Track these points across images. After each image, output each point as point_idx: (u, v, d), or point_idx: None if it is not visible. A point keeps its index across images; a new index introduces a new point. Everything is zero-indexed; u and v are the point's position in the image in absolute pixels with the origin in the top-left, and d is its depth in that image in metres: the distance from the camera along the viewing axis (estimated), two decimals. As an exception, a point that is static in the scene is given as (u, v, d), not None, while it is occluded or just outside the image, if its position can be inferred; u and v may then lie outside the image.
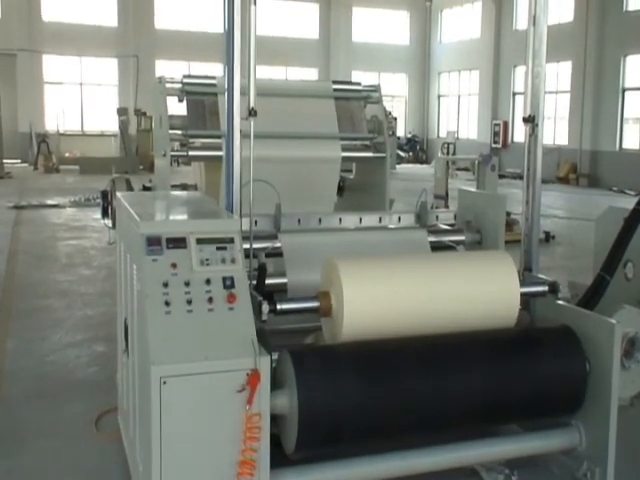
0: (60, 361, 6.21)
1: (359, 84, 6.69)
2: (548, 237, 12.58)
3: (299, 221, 4.77)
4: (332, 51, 33.53)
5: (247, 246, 3.76)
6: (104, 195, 5.99)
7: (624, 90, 24.34)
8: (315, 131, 6.16)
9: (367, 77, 30.63)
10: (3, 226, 13.46)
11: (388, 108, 26.28)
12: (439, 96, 35.36)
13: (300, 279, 4.25)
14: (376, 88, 6.60)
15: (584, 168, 25.28)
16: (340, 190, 6.57)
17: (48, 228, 13.53)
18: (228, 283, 3.39)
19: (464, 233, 4.87)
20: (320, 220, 4.87)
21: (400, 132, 33.47)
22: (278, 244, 4.42)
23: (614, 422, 3.86)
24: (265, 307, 3.59)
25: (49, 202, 16.85)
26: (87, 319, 7.52)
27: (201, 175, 6.49)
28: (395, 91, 34.75)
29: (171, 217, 4.35)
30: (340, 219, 4.95)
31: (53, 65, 30.00)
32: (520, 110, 4.73)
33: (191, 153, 5.85)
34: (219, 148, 5.54)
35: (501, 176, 17.33)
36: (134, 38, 30.05)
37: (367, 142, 6.43)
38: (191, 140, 5.86)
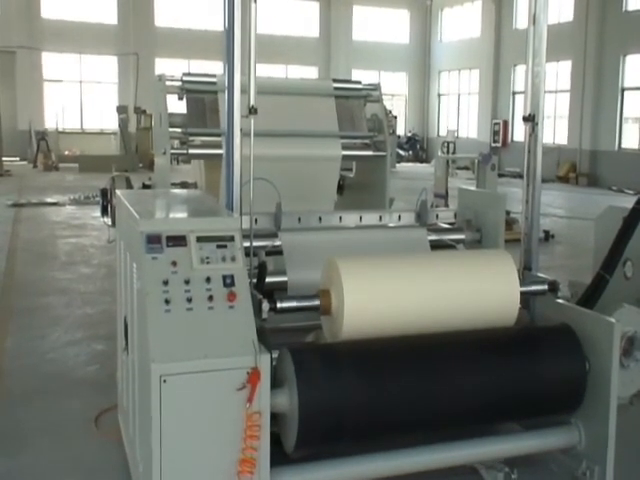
0: (60, 359, 6.21)
1: (359, 82, 6.69)
2: (548, 236, 12.59)
3: (299, 219, 4.77)
4: (332, 49, 33.52)
5: (247, 244, 3.76)
6: (103, 193, 5.99)
7: (623, 90, 24.34)
8: (315, 129, 6.16)
9: (367, 76, 30.55)
10: (2, 224, 13.45)
11: (388, 107, 26.28)
12: (439, 95, 35.35)
13: (300, 277, 4.26)
14: (376, 87, 6.59)
15: (583, 167, 25.29)
16: (340, 189, 6.56)
17: (47, 226, 13.52)
18: (228, 281, 3.40)
19: (464, 232, 4.87)
20: (320, 219, 4.87)
21: (400, 131, 33.47)
22: (278, 242, 4.42)
23: (613, 421, 3.86)
24: (265, 305, 3.59)
25: (48, 200, 16.84)
26: (87, 317, 7.52)
27: (201, 173, 6.48)
28: (395, 90, 34.75)
29: (171, 215, 4.35)
30: (340, 217, 4.95)
31: (53, 63, 29.97)
32: (520, 109, 4.74)
33: (191, 151, 5.84)
34: (219, 146, 5.54)
35: (501, 175, 17.34)
36: (134, 36, 30.03)
37: (367, 141, 6.43)
38: (191, 138, 5.86)
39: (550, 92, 25.45)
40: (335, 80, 6.80)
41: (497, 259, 4.11)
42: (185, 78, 5.92)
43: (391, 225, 5.00)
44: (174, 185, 6.20)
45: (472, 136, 32.10)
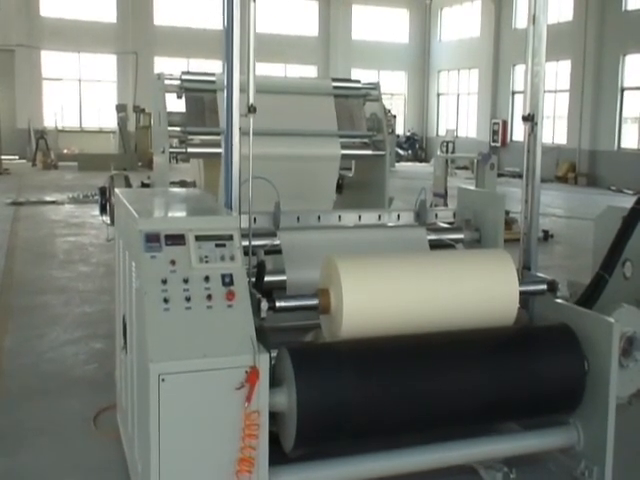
0: (58, 358, 6.20)
1: (358, 82, 6.68)
2: (547, 236, 12.58)
3: (298, 219, 4.78)
4: (331, 49, 33.49)
5: (246, 243, 3.75)
6: (102, 192, 5.99)
7: (623, 89, 24.32)
8: (314, 128, 6.15)
9: (366, 75, 30.55)
10: (1, 222, 13.43)
11: (387, 106, 26.25)
12: (438, 94, 35.33)
13: (299, 277, 4.26)
14: (375, 86, 6.58)
15: (583, 167, 25.28)
16: (339, 188, 6.56)
17: (46, 225, 13.51)
18: (227, 280, 3.39)
19: (463, 231, 4.87)
20: (319, 218, 4.87)
21: (399, 130, 33.45)
22: (277, 241, 4.42)
23: (612, 421, 3.87)
24: (264, 304, 3.59)
25: (47, 199, 16.82)
26: (85, 316, 7.51)
27: (200, 172, 6.48)
28: (394, 89, 34.72)
29: (170, 214, 4.35)
30: (339, 217, 4.95)
31: (52, 61, 29.93)
32: (519, 109, 4.75)
33: (190, 150, 5.83)
34: (218, 145, 5.53)
35: (500, 175, 17.33)
36: (133, 34, 30.00)
37: (366, 140, 6.42)
38: (190, 137, 5.85)
39: (549, 92, 25.43)
40: (334, 79, 6.79)
41: (496, 258, 4.11)
42: (184, 77, 5.91)
43: (390, 224, 5.00)
44: (173, 184, 6.20)
45: (471, 136, 32.09)
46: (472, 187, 7.14)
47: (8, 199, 16.31)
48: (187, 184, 6.56)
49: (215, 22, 28.63)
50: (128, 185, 6.10)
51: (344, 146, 6.20)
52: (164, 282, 3.31)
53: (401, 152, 30.83)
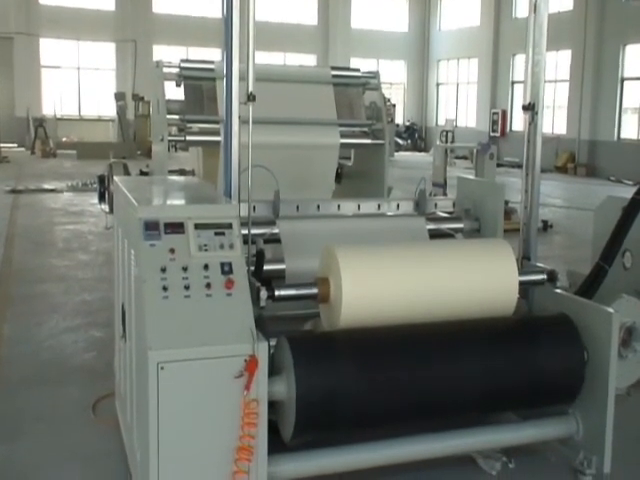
0: (57, 346, 6.20)
1: (358, 70, 6.67)
2: (546, 226, 12.57)
3: (297, 207, 4.77)
4: (331, 37, 33.39)
5: (245, 232, 3.75)
6: (101, 180, 5.97)
7: (623, 80, 24.28)
8: (314, 117, 6.14)
9: (366, 64, 30.46)
10: (0, 211, 13.42)
11: (387, 95, 26.21)
12: (438, 84, 35.26)
13: (298, 265, 4.25)
14: (375, 75, 6.57)
15: (582, 157, 25.25)
16: (338, 177, 6.55)
17: (45, 213, 13.48)
18: (226, 269, 3.39)
19: (463, 221, 4.86)
20: (318, 207, 4.86)
21: (399, 120, 33.40)
22: (276, 230, 4.41)
23: (611, 411, 3.87)
24: (263, 293, 3.59)
25: (46, 187, 16.79)
26: (85, 304, 7.50)
27: (199, 161, 6.47)
28: (394, 78, 34.64)
29: (169, 202, 4.33)
30: (339, 206, 4.94)
31: (50, 49, 29.83)
32: (519, 99, 4.74)
33: (189, 138, 5.82)
34: (217, 133, 5.52)
35: (499, 165, 17.30)
36: (132, 22, 29.89)
37: (366, 129, 6.42)
38: (189, 125, 5.84)
39: (549, 82, 25.39)
40: (334, 68, 6.78)
41: (496, 248, 4.10)
42: (183, 65, 5.90)
43: (390, 214, 4.99)
44: (172, 172, 6.19)
45: (471, 125, 32.04)
46: (471, 177, 7.13)
47: (7, 187, 16.28)
48: (186, 172, 6.56)
49: (214, 10, 28.58)
50: (127, 173, 6.09)
51: (343, 135, 6.19)
52: (163, 270, 3.30)
53: (400, 142, 30.75)
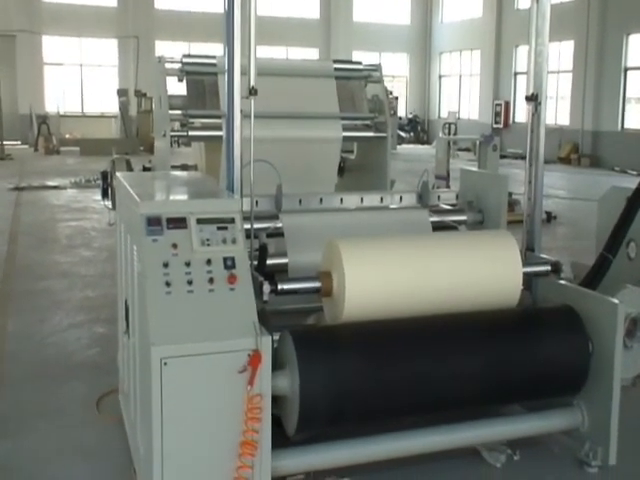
0: (61, 343, 6.20)
1: (360, 63, 6.65)
2: (550, 217, 12.55)
3: (300, 201, 4.76)
4: (333, 31, 33.30)
5: (248, 226, 3.74)
6: (104, 176, 5.96)
7: (626, 70, 24.19)
8: (316, 111, 6.12)
9: (368, 57, 30.36)
10: (3, 208, 13.42)
11: (389, 88, 26.15)
12: (440, 76, 35.18)
13: (301, 259, 4.24)
14: (377, 67, 6.55)
15: (586, 148, 25.18)
16: (341, 170, 6.55)
17: (48, 209, 13.49)
18: (229, 263, 3.38)
19: (466, 213, 4.85)
20: (321, 200, 4.86)
21: (401, 112, 33.34)
22: (279, 224, 4.40)
23: (616, 402, 3.86)
24: (266, 287, 3.58)
25: (49, 183, 16.80)
26: (88, 301, 7.50)
27: (201, 156, 6.46)
28: (396, 71, 34.56)
29: (171, 197, 4.33)
30: (341, 199, 4.94)
31: (53, 46, 29.81)
32: (521, 90, 4.71)
33: (191, 133, 5.82)
34: (219, 128, 5.51)
35: (502, 156, 17.26)
36: (134, 19, 29.86)
37: (368, 122, 6.40)
38: (191, 120, 5.83)
39: (552, 72, 25.31)
40: (336, 61, 6.75)
41: (499, 240, 4.08)
42: (185, 60, 5.89)
43: (392, 206, 4.98)
44: (174, 167, 6.18)
45: (473, 117, 31.98)
46: (474, 169, 7.11)
47: (10, 184, 16.30)
48: (188, 167, 6.55)
49: (216, 5, 28.49)
50: (130, 169, 6.08)
51: (346, 128, 6.18)
52: (166, 265, 3.29)
53: (403, 134, 30.71)
